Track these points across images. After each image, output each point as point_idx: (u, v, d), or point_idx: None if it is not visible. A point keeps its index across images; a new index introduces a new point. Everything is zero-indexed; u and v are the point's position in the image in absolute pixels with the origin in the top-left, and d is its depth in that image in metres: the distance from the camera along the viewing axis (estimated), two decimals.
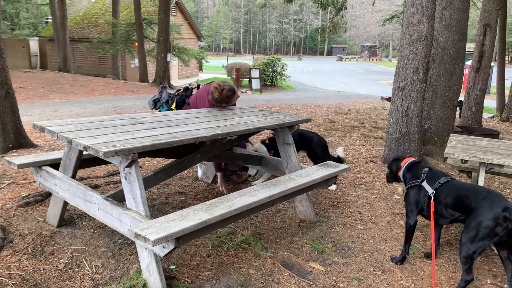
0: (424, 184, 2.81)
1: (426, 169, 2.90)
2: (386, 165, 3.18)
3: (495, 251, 2.69)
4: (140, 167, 4.62)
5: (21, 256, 2.66)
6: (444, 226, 3.55)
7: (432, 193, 2.73)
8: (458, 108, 7.65)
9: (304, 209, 3.52)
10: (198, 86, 4.26)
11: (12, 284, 2.37)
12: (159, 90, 4.33)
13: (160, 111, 4.22)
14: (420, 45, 4.75)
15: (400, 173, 3.03)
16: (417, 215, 2.87)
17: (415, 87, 4.85)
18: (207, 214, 2.32)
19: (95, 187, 3.91)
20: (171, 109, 4.13)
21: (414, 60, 4.79)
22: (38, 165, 3.07)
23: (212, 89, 3.76)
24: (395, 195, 4.21)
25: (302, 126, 7.31)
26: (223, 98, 3.77)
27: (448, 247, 3.19)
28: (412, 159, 3.07)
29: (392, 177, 3.18)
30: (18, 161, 3.04)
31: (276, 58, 24.29)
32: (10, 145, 4.99)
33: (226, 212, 2.38)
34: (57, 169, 2.99)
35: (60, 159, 3.01)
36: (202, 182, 4.33)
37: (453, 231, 3.48)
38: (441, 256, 3.05)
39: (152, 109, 4.35)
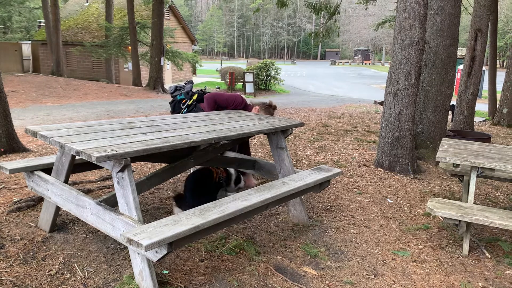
0: None
1: None
2: None
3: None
4: (133, 171, 4.61)
5: (12, 262, 2.64)
6: (437, 229, 3.59)
7: None
8: (450, 112, 7.71)
9: (298, 213, 3.53)
10: (204, 92, 4.26)
11: None
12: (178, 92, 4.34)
13: (175, 110, 4.25)
14: (412, 50, 4.79)
15: None
16: None
17: (407, 92, 4.89)
18: (200, 218, 2.32)
19: (87, 191, 3.89)
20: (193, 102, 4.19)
21: (406, 65, 4.83)
22: (30, 170, 3.05)
23: (263, 107, 4.18)
24: (388, 199, 4.23)
25: (294, 131, 7.33)
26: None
27: (441, 250, 3.21)
28: None
29: None
30: (10, 165, 3.01)
31: (270, 62, 24.32)
32: (2, 150, 4.96)
33: (219, 217, 2.38)
34: (49, 173, 2.97)
35: (52, 163, 2.99)
36: None
37: (445, 235, 3.50)
38: (433, 260, 3.06)
39: (171, 94, 4.35)
